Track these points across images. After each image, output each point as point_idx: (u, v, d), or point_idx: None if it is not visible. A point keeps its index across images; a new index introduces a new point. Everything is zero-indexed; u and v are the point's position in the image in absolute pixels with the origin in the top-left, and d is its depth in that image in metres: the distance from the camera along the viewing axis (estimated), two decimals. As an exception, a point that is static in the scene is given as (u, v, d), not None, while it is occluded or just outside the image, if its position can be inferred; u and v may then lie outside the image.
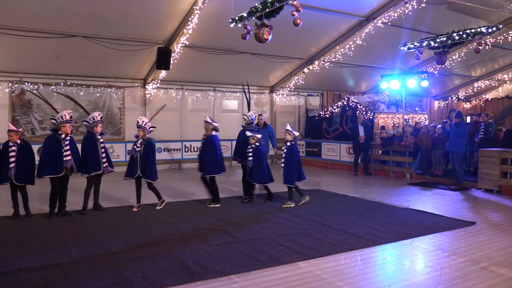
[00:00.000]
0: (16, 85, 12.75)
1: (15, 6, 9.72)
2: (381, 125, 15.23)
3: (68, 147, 7.45)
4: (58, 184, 7.53)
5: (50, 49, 11.56)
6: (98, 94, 13.88)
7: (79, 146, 7.94)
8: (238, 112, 16.33)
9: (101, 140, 8.03)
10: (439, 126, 13.24)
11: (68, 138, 7.51)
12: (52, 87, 13.13)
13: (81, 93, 13.59)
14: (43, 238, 6.23)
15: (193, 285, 4.60)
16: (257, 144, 8.73)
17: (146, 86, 14.56)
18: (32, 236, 6.30)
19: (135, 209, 8.12)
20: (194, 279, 4.70)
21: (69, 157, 7.43)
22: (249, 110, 11.40)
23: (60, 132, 7.47)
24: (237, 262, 5.22)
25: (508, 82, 19.19)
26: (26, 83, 12.81)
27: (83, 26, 10.92)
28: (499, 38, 13.56)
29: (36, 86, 12.90)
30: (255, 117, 9.72)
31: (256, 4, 7.83)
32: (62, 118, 7.49)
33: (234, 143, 10.77)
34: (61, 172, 7.40)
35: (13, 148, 7.28)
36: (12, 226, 6.92)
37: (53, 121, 7.68)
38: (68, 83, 13.37)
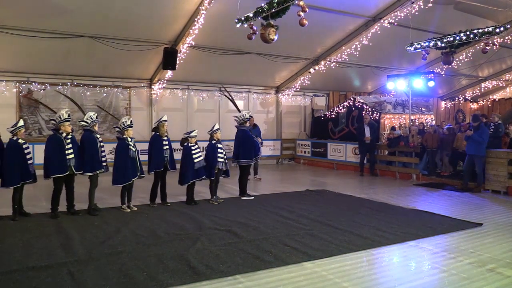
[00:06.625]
0: (23, 85, 12.85)
1: (22, 6, 9.79)
2: (389, 125, 15.16)
3: (70, 145, 7.48)
4: (61, 183, 7.58)
5: (57, 49, 11.63)
6: (104, 94, 13.96)
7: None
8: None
9: (100, 139, 7.95)
10: (447, 126, 13.14)
11: (69, 137, 7.54)
12: (59, 87, 13.22)
13: (88, 93, 13.67)
14: (50, 237, 6.26)
15: (199, 285, 4.61)
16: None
17: (152, 86, 14.62)
18: (38, 235, 6.34)
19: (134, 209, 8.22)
20: (199, 279, 4.71)
21: (71, 155, 7.45)
22: (239, 111, 11.53)
23: (61, 131, 7.51)
24: (243, 262, 5.22)
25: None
26: (33, 83, 12.91)
27: (90, 27, 10.98)
28: (506, 38, 13.47)
29: (43, 86, 13.00)
30: (249, 116, 9.87)
31: (262, 5, 7.83)
32: (60, 117, 7.54)
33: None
34: (66, 171, 7.45)
35: (27, 144, 7.36)
36: (18, 225, 6.96)
37: (53, 121, 7.76)
38: (75, 83, 13.46)
